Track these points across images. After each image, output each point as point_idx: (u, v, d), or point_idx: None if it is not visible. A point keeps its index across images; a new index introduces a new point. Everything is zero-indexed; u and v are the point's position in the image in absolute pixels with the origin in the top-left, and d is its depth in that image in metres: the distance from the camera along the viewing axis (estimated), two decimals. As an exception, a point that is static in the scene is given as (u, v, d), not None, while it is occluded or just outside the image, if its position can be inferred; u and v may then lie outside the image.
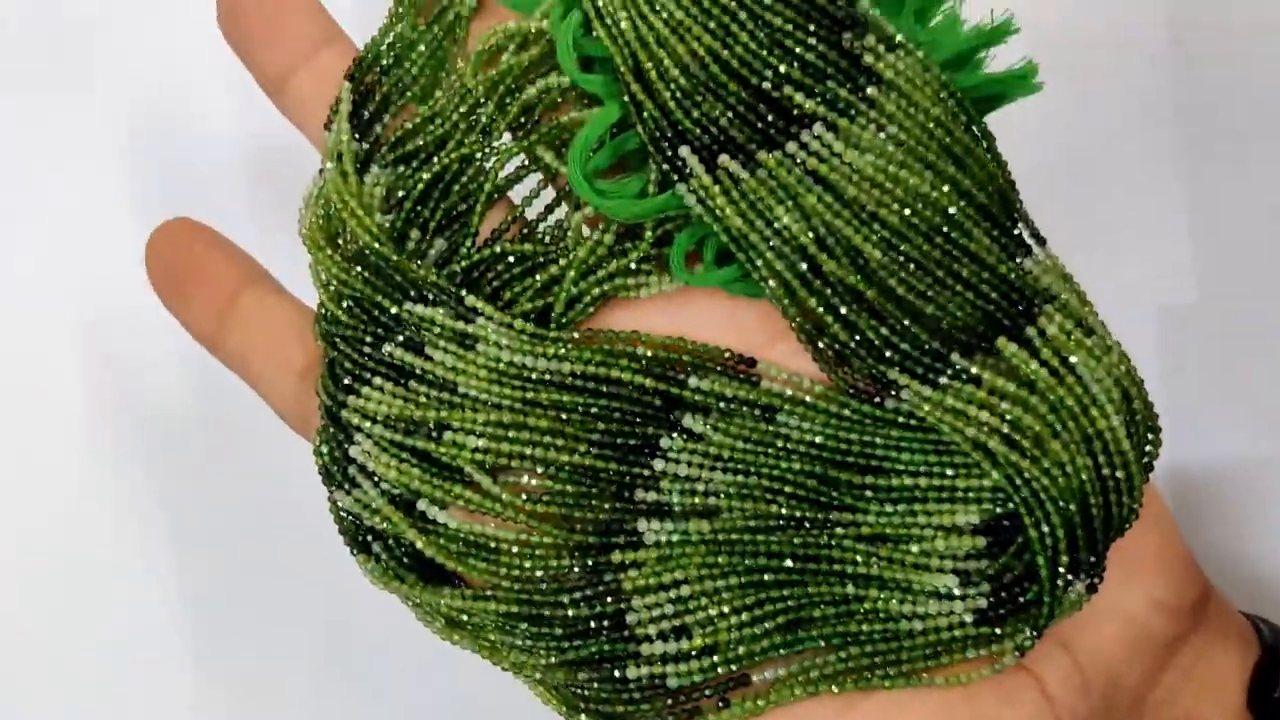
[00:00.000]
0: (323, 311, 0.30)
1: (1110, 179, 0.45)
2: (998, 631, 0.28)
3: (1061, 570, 0.27)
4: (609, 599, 0.28)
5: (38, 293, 0.48)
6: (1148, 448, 0.28)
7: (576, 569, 0.28)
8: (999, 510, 0.28)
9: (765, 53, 0.27)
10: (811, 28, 0.27)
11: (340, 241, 0.30)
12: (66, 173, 0.49)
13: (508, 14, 0.30)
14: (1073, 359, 0.27)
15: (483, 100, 0.30)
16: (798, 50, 0.27)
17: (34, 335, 0.48)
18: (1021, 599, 0.28)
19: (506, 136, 0.30)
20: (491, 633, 0.29)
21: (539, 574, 0.28)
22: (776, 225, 0.27)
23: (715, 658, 0.28)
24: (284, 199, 0.34)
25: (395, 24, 0.31)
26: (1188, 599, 0.30)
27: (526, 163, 0.30)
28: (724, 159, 0.27)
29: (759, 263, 0.27)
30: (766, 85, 0.27)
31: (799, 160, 0.27)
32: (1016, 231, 0.28)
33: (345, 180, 0.29)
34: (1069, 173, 0.45)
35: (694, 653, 0.28)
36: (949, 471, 0.28)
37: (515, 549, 0.28)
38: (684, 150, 0.27)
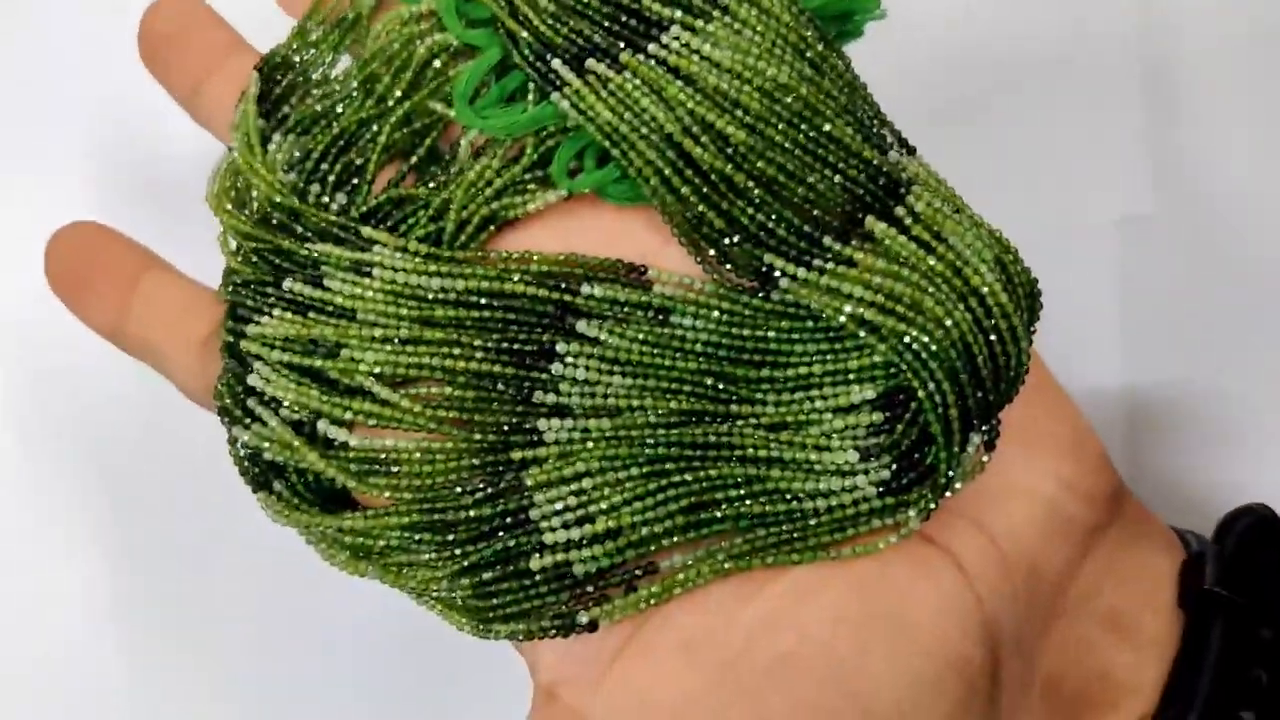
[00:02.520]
0: (228, 271, 0.31)
1: (1070, 91, 0.46)
2: (904, 500, 0.28)
3: (954, 423, 0.27)
4: (511, 496, 0.28)
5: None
6: (1028, 313, 0.29)
7: (478, 470, 0.28)
8: (892, 384, 0.28)
9: None
10: None
11: (247, 209, 0.31)
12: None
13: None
14: (943, 231, 0.29)
15: (379, 71, 0.32)
16: None
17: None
18: (923, 465, 0.28)
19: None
20: (396, 553, 0.29)
21: (440, 480, 0.28)
22: (644, 116, 0.29)
23: (619, 541, 0.27)
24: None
25: (305, 26, 0.34)
26: (1101, 488, 0.30)
27: (420, 130, 0.32)
28: (591, 63, 0.29)
29: (632, 155, 0.29)
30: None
31: (661, 59, 0.29)
32: (881, 132, 0.30)
33: (250, 149, 0.31)
34: (1028, 86, 0.46)
35: (597, 537, 0.27)
36: (841, 354, 0.28)
37: (417, 456, 0.28)
38: (555, 62, 0.29)
